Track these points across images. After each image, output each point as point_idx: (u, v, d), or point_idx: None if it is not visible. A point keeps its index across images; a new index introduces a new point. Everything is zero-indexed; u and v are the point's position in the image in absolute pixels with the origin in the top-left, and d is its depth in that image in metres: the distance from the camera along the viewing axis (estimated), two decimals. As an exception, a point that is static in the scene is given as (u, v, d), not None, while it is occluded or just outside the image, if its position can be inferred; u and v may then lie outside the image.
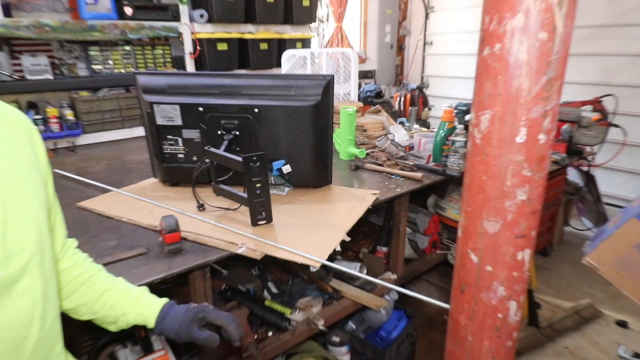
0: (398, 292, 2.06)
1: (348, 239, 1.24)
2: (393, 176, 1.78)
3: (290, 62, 2.90)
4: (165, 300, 0.88)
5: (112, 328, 0.86)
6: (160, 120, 1.43)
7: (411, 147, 2.14)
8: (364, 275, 1.12)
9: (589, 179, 2.88)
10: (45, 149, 0.73)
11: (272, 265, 1.78)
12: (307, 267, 1.14)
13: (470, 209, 0.63)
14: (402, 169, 1.82)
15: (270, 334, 1.48)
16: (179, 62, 3.12)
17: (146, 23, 2.81)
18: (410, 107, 4.45)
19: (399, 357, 1.81)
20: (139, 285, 0.92)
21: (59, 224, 0.78)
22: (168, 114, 1.42)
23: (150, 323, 0.85)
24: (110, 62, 2.85)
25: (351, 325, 1.84)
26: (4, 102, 0.68)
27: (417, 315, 1.90)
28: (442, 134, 1.89)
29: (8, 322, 0.58)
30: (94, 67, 2.80)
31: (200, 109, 1.40)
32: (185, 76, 1.49)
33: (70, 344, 0.81)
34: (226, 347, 1.40)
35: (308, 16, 3.71)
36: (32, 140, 0.70)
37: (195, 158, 1.49)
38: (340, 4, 4.65)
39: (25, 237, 0.61)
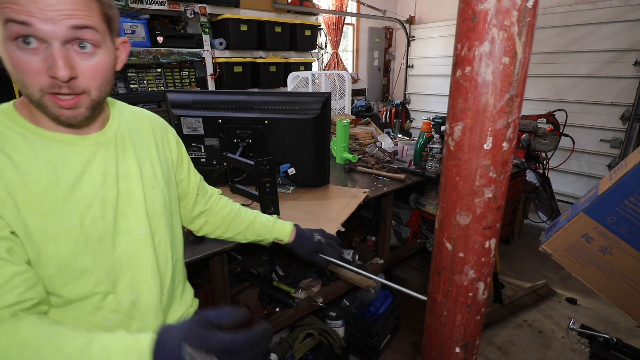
0: (384, 274, 2.06)
1: (343, 229, 1.24)
2: (380, 177, 1.78)
3: (295, 82, 2.90)
4: (291, 225, 1.03)
5: (262, 244, 1.05)
6: (186, 130, 1.43)
7: (396, 153, 2.14)
8: (353, 268, 1.02)
9: (544, 179, 2.88)
10: (177, 141, 0.86)
11: (279, 252, 1.78)
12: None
13: (446, 205, 0.63)
14: (388, 171, 1.82)
15: (277, 309, 1.48)
16: (202, 82, 3.12)
17: (175, 49, 2.81)
18: (395, 120, 4.45)
19: (385, 329, 1.81)
20: None
21: (192, 178, 0.90)
22: (192, 125, 1.42)
23: (285, 241, 1.02)
24: (145, 82, 2.84)
25: (345, 302, 1.84)
26: (146, 110, 0.82)
27: (400, 294, 1.90)
28: (422, 142, 1.89)
29: (150, 259, 0.72)
30: (132, 86, 2.79)
31: (220, 120, 1.40)
32: (207, 94, 1.49)
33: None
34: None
35: (309, 44, 3.71)
36: (172, 135, 0.84)
37: (215, 162, 1.49)
38: (337, 33, 4.65)
39: (156, 205, 0.74)
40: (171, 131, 0.84)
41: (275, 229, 1.01)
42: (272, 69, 3.39)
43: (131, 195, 0.69)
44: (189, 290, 0.87)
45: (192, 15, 2.82)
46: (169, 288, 0.76)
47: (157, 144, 0.78)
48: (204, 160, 1.49)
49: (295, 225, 1.04)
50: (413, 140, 2.35)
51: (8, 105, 0.62)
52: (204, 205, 0.95)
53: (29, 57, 0.53)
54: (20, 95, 0.62)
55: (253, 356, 0.51)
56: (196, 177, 0.92)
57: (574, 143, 2.75)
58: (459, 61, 0.55)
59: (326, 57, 4.67)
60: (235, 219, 0.99)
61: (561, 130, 2.57)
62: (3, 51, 0.54)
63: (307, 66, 3.75)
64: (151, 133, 0.78)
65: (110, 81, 0.63)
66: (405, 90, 5.33)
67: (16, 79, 0.55)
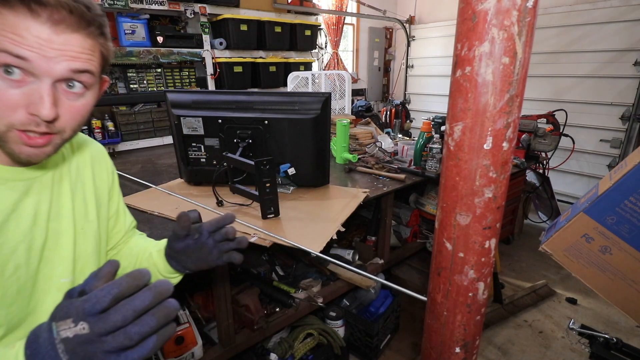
0: (384, 274, 2.06)
1: (343, 229, 1.24)
2: (380, 177, 1.78)
3: (295, 82, 2.89)
4: (162, 249, 0.75)
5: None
6: (186, 131, 1.43)
7: (396, 153, 2.14)
8: (353, 268, 1.03)
9: (544, 179, 2.88)
10: (114, 176, 0.76)
11: (279, 252, 1.78)
12: (308, 253, 1.14)
13: (445, 205, 0.63)
14: (388, 171, 1.82)
15: (277, 309, 1.48)
16: (202, 82, 3.12)
17: (175, 49, 2.81)
18: (395, 120, 4.45)
19: (386, 329, 1.81)
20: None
21: (121, 220, 0.79)
22: (192, 125, 1.42)
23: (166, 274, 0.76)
24: (145, 82, 2.84)
25: (345, 302, 1.84)
26: (87, 137, 0.73)
27: (400, 294, 1.90)
28: (422, 142, 1.89)
29: None
30: (131, 86, 2.79)
31: (220, 120, 1.40)
32: (207, 94, 1.48)
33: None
34: (241, 320, 1.40)
35: (309, 44, 3.71)
36: (107, 166, 0.74)
37: (215, 162, 1.49)
38: (337, 33, 4.65)
39: (84, 248, 0.65)
40: (110, 163, 0.76)
41: (154, 259, 0.77)
42: (272, 69, 3.40)
43: (60, 237, 0.61)
44: None
45: (192, 15, 2.82)
46: None
47: (95, 178, 0.70)
48: (203, 160, 1.49)
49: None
50: (413, 140, 2.35)
51: None
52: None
53: (7, 89, 0.46)
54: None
55: (135, 312, 0.37)
56: (125, 222, 0.79)
57: (574, 143, 2.75)
58: (459, 61, 0.54)
59: (326, 57, 4.67)
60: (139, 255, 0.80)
61: (561, 130, 2.57)
62: None
63: (307, 66, 3.75)
64: (89, 165, 0.69)
65: (86, 121, 0.56)
66: (405, 90, 5.33)
67: None
